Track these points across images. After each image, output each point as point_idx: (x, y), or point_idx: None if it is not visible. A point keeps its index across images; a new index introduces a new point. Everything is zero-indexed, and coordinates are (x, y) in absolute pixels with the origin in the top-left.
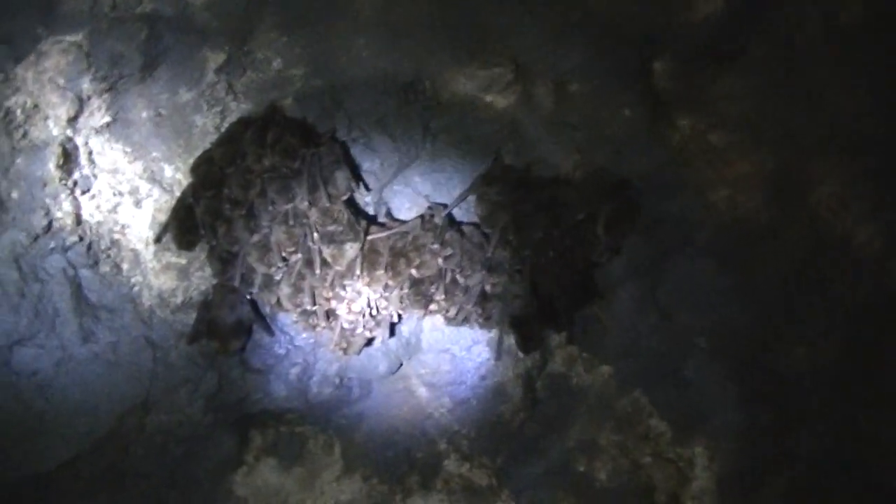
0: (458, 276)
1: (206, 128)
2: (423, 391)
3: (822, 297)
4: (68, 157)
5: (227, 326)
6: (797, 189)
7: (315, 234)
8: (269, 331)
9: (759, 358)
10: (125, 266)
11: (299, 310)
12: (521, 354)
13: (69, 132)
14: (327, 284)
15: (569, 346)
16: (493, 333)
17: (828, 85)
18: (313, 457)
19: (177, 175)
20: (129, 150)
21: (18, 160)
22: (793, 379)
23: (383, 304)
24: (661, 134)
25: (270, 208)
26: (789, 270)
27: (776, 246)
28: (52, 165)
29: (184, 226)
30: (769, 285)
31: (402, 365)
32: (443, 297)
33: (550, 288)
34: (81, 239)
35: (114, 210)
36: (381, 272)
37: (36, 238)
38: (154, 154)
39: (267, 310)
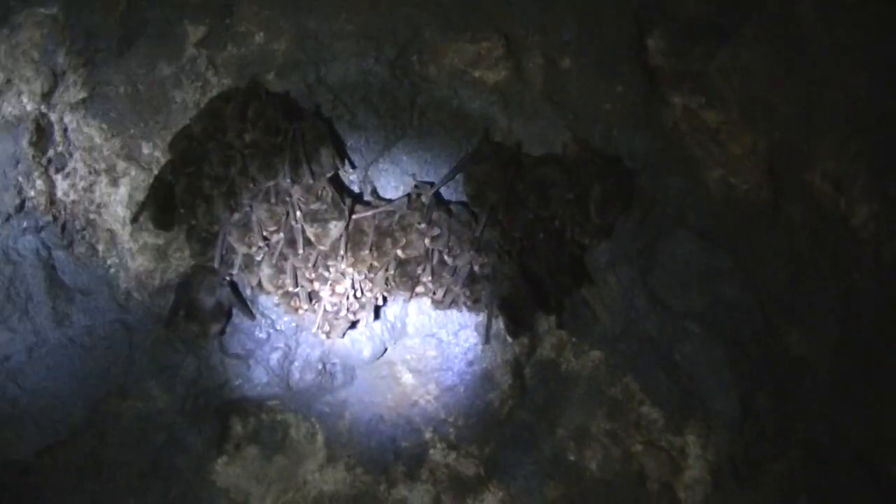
0: (445, 257)
1: (186, 103)
2: (408, 377)
3: (819, 279)
4: (42, 134)
5: (207, 309)
6: (792, 169)
7: (298, 213)
8: (250, 314)
9: (754, 342)
10: (101, 247)
11: (281, 291)
12: (509, 339)
13: (43, 108)
14: (310, 265)
15: (558, 331)
16: (482, 317)
17: (823, 62)
18: (295, 445)
19: (155, 153)
20: (105, 126)
21: None
22: (789, 364)
23: (368, 285)
24: (654, 112)
25: (252, 186)
26: (785, 252)
27: (771, 227)
28: (24, 142)
29: (162, 205)
30: (764, 268)
31: (386, 350)
32: (430, 278)
33: (540, 270)
34: (55, 219)
35: (89, 189)
36: (365, 252)
37: (8, 218)
38: (131, 131)
39: (247, 292)
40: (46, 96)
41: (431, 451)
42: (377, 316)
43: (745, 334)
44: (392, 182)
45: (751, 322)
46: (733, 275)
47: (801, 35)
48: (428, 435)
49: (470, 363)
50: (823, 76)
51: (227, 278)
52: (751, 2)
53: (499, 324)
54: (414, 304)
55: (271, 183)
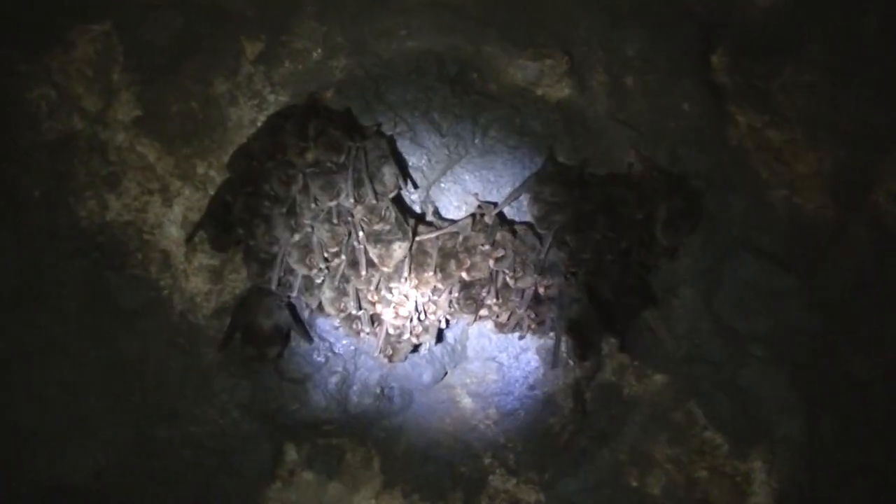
0: (508, 279)
1: (242, 121)
2: (467, 401)
3: (886, 300)
4: (94, 153)
5: (264, 332)
6: (857, 188)
7: (360, 234)
8: (308, 337)
9: (819, 365)
10: (154, 268)
11: (342, 314)
12: (571, 363)
13: (96, 126)
14: (373, 287)
15: (620, 354)
16: (544, 340)
17: (887, 80)
18: (351, 471)
19: (210, 172)
20: (159, 145)
21: (40, 156)
22: (856, 387)
23: (431, 308)
24: (718, 130)
25: (313, 206)
26: (851, 273)
27: (836, 248)
28: (76, 162)
29: (219, 225)
30: (830, 288)
31: (446, 374)
32: (494, 300)
33: (606, 292)
34: (107, 239)
35: (142, 209)
36: (429, 274)
37: (59, 238)
38: (185, 150)
39: (306, 314)
40: (99, 114)
41: (491, 477)
42: (440, 339)
43: (809, 358)
44: (454, 202)
45: (815, 345)
46: (797, 296)
47: (865, 53)
48: (487, 460)
49: (531, 387)
50: (887, 94)
51: (286, 300)
52: (814, 20)
53: (560, 347)
54: (474, 326)
55: (333, 203)
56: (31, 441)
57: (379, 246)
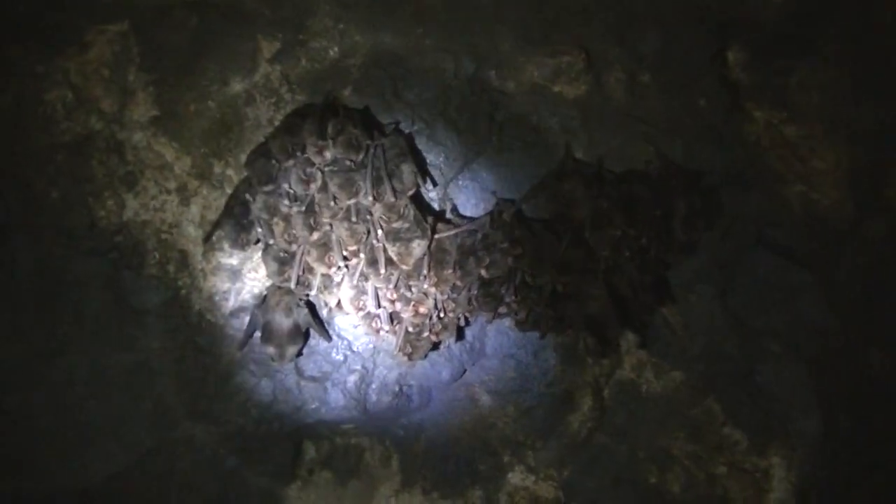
0: (526, 277)
1: (259, 120)
2: (486, 399)
3: None
4: (112, 153)
5: (284, 331)
6: (873, 184)
7: (379, 232)
8: (327, 336)
9: (837, 361)
10: (171, 268)
11: (361, 313)
12: (589, 360)
13: (113, 127)
14: (392, 285)
15: (638, 351)
16: (562, 338)
17: None
18: (370, 470)
19: (227, 171)
20: (176, 144)
21: (59, 157)
22: (874, 383)
23: (451, 305)
24: (735, 127)
25: (332, 204)
26: (867, 268)
27: (853, 243)
28: (94, 162)
29: (237, 224)
30: (845, 285)
31: (465, 371)
32: (513, 298)
33: (625, 289)
34: (125, 239)
35: (160, 208)
36: (449, 272)
37: (76, 239)
38: (203, 149)
39: (325, 313)
40: (116, 115)
41: (510, 475)
42: (460, 336)
43: (826, 353)
44: (472, 199)
45: (832, 341)
46: (814, 292)
47: (881, 49)
48: (506, 458)
49: (549, 384)
50: None
51: (304, 299)
52: (830, 16)
53: (579, 344)
54: (493, 324)
55: (352, 201)
56: (51, 442)
57: (398, 244)
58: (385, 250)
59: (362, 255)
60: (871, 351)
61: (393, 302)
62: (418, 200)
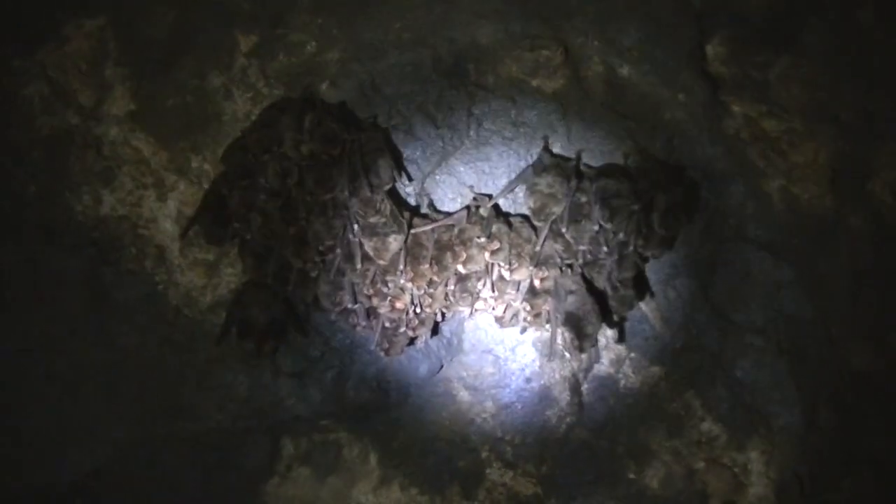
0: (503, 272)
1: (237, 115)
2: (464, 395)
3: (884, 290)
4: (89, 149)
5: (261, 326)
6: (854, 178)
7: (356, 226)
8: (304, 331)
9: (817, 356)
10: (149, 263)
11: (338, 308)
12: (567, 355)
13: (90, 121)
14: (368, 281)
15: (616, 345)
16: (540, 333)
17: (885, 69)
18: (349, 466)
19: (204, 166)
20: (153, 139)
21: (35, 152)
22: (854, 377)
23: (427, 301)
24: (715, 121)
25: (308, 199)
26: (849, 263)
27: (834, 238)
28: (72, 157)
29: (214, 219)
30: (826, 280)
31: (442, 367)
32: (490, 293)
33: (603, 284)
34: (102, 235)
35: (137, 204)
36: (425, 267)
37: (54, 234)
38: (180, 144)
39: (301, 309)
40: (94, 109)
41: (488, 471)
42: (435, 332)
43: (808, 348)
44: (449, 194)
45: (813, 336)
46: (795, 287)
47: (863, 43)
48: (484, 454)
49: (527, 380)
50: (885, 84)
51: (281, 295)
52: (811, 9)
53: (557, 339)
54: (470, 319)
55: (329, 196)
56: (29, 439)
57: (374, 239)
58: (361, 245)
59: (339, 251)
60: (852, 345)
61: (369, 297)
62: (395, 195)
